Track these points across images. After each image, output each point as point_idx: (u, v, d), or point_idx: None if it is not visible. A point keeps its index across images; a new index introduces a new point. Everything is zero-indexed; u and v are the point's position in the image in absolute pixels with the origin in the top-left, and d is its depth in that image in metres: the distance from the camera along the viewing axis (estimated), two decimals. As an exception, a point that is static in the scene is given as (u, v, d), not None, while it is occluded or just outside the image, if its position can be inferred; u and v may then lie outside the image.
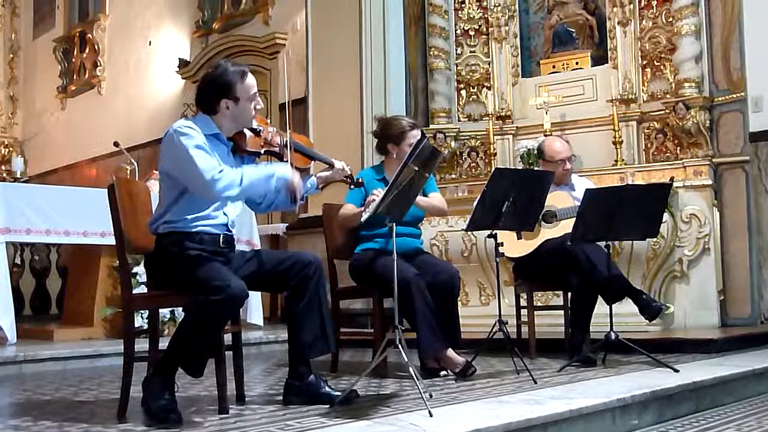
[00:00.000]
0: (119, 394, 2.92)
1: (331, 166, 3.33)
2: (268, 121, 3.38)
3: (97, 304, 5.56)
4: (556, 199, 4.42)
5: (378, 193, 3.55)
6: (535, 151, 6.19)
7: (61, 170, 11.33)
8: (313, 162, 3.30)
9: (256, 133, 3.13)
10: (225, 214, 3.06)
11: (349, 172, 3.35)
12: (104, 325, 5.56)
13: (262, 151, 3.15)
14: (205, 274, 2.79)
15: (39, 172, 11.66)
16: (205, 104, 3.06)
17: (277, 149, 3.16)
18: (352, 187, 3.44)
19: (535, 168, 5.88)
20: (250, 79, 3.06)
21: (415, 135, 4.00)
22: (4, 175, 11.59)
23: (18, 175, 10.36)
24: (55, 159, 11.54)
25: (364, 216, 3.25)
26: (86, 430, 2.60)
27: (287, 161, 3.12)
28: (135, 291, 3.38)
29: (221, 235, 3.03)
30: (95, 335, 5.51)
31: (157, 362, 2.90)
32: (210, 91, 3.04)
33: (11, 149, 12.41)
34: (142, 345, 3.16)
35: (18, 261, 7.65)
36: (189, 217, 2.95)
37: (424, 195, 4.09)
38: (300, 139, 3.32)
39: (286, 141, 3.15)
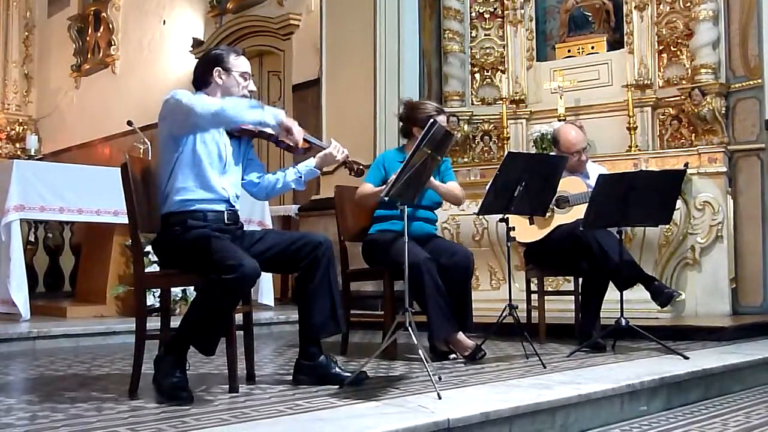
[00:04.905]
0: (131, 372, 2.95)
1: (325, 149, 3.32)
2: (282, 103, 3.39)
3: (109, 282, 5.61)
4: (569, 185, 4.41)
5: None
6: (550, 138, 6.18)
7: (75, 149, 11.37)
8: (310, 147, 3.29)
9: None
10: (224, 188, 3.07)
11: (346, 154, 3.33)
12: (116, 303, 5.61)
13: (256, 131, 3.16)
14: (218, 254, 2.81)
15: (53, 150, 11.72)
16: (199, 77, 3.16)
17: (270, 131, 3.15)
18: (352, 173, 3.41)
19: (550, 153, 5.85)
20: (244, 60, 3.20)
21: (441, 120, 3.99)
22: (19, 153, 11.66)
23: (32, 153, 10.41)
24: (69, 137, 11.58)
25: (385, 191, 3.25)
26: (98, 407, 2.63)
27: (279, 140, 3.14)
28: (147, 269, 3.39)
29: (225, 212, 3.05)
30: (107, 313, 5.56)
31: (169, 340, 2.92)
32: (204, 63, 3.17)
33: (26, 127, 12.47)
34: (153, 323, 3.18)
35: (32, 238, 7.69)
36: (189, 197, 2.97)
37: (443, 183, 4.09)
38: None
39: None
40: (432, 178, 3.82)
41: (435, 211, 4.24)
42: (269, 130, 3.10)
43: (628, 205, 3.84)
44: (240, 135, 3.17)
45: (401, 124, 4.20)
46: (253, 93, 3.19)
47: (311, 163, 3.30)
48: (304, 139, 3.24)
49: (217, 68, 3.10)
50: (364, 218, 4.23)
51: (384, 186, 3.66)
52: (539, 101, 6.79)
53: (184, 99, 2.90)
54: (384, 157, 4.18)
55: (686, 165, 4.43)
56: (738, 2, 5.91)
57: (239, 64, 3.14)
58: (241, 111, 2.94)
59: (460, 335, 3.78)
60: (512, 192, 3.72)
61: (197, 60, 3.25)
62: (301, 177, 3.30)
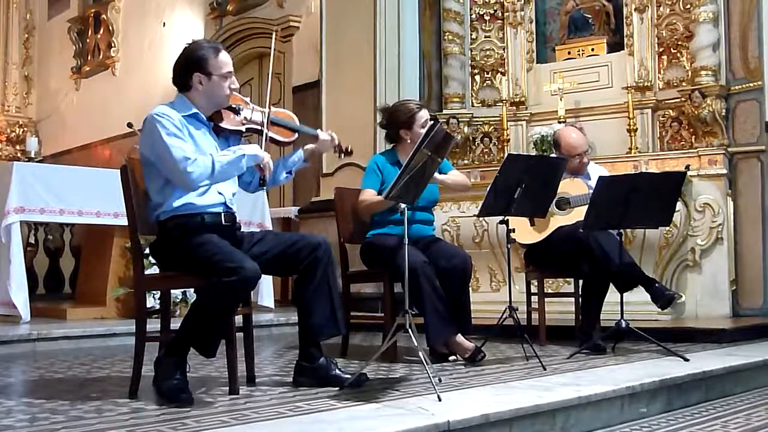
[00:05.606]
0: (131, 374, 2.95)
1: (316, 137, 3.32)
2: (282, 105, 3.40)
3: (109, 284, 5.60)
4: (570, 187, 4.41)
5: None
6: (550, 140, 6.19)
7: (75, 151, 11.37)
8: (297, 135, 3.30)
9: (235, 111, 3.14)
10: (220, 193, 3.07)
11: (337, 142, 3.34)
12: (117, 304, 5.60)
13: (244, 129, 3.16)
14: (218, 256, 2.80)
15: (53, 152, 11.71)
16: (179, 80, 3.08)
17: (258, 126, 3.16)
18: (342, 156, 3.43)
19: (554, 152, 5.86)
20: (224, 56, 3.07)
21: (423, 115, 4.00)
22: (19, 154, 11.65)
23: (32, 155, 10.40)
24: (69, 139, 11.58)
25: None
26: (98, 408, 2.63)
27: (268, 137, 3.14)
28: (147, 271, 3.39)
29: (222, 213, 3.05)
30: (108, 315, 5.56)
31: (170, 342, 2.92)
32: (183, 65, 3.07)
33: (26, 129, 12.46)
34: (153, 325, 3.18)
35: (32, 240, 7.68)
36: (185, 200, 2.96)
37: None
38: (282, 114, 3.32)
39: (266, 117, 3.15)
40: (435, 173, 3.80)
41: (433, 212, 4.24)
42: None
43: (628, 207, 3.84)
44: (228, 135, 3.17)
45: (385, 130, 4.17)
46: (235, 90, 3.11)
47: (300, 155, 3.31)
48: (293, 130, 3.26)
49: (196, 73, 3.02)
50: (363, 220, 4.22)
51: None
52: (539, 103, 6.79)
53: (179, 163, 2.83)
54: (376, 160, 4.15)
55: (687, 167, 4.44)
56: (738, 4, 5.91)
57: (219, 64, 3.03)
58: (231, 174, 2.99)
59: (459, 337, 3.78)
60: (512, 194, 3.72)
61: (177, 58, 3.14)
62: (291, 173, 3.33)
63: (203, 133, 3.06)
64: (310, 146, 3.33)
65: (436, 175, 3.85)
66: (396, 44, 6.82)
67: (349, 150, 3.41)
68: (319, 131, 3.36)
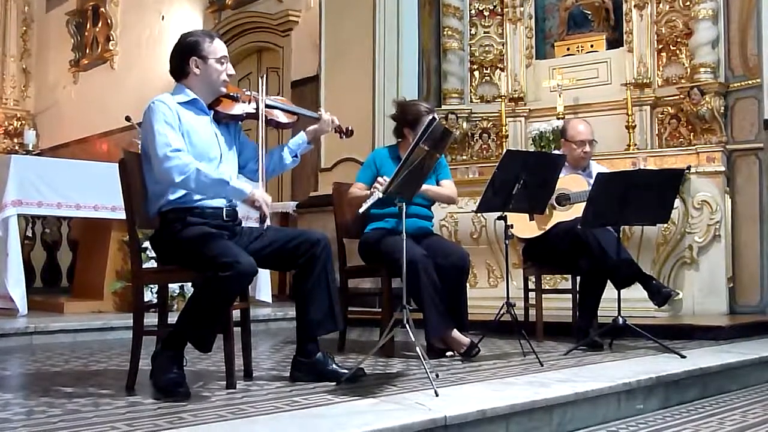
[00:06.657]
0: (128, 367, 2.94)
1: (318, 119, 3.35)
2: (281, 96, 3.39)
3: (107, 277, 5.60)
4: (570, 182, 4.40)
5: (382, 181, 3.52)
6: (548, 136, 6.19)
7: (73, 144, 11.35)
8: (297, 117, 3.31)
9: (233, 99, 3.16)
10: None
11: (337, 123, 3.36)
12: (114, 298, 5.60)
13: (244, 114, 3.17)
14: (214, 251, 2.80)
15: (51, 145, 11.68)
16: (176, 68, 3.10)
17: (255, 111, 3.16)
18: (343, 137, 3.43)
19: (553, 149, 5.86)
20: (219, 43, 3.10)
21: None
22: (17, 148, 11.63)
23: (30, 148, 10.39)
24: (67, 132, 11.55)
25: (363, 208, 3.30)
26: (95, 402, 2.63)
27: (267, 119, 3.16)
28: (145, 265, 3.39)
29: (224, 209, 3.04)
30: (105, 308, 5.56)
31: (167, 337, 2.92)
32: (179, 52, 3.09)
33: (24, 122, 12.43)
34: (151, 319, 3.18)
35: (29, 234, 7.69)
36: (188, 193, 2.96)
37: (437, 181, 4.10)
38: (280, 101, 3.34)
39: (264, 103, 3.17)
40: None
41: (431, 208, 4.24)
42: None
43: (626, 204, 3.84)
44: (228, 120, 3.17)
45: (395, 124, 4.19)
46: (231, 77, 3.13)
47: (303, 137, 3.33)
48: (292, 113, 3.28)
49: (192, 57, 3.04)
50: (362, 215, 4.22)
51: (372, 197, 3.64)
52: (538, 99, 6.79)
53: (160, 148, 2.82)
54: (375, 155, 4.17)
55: (689, 168, 4.42)
56: (737, 2, 5.92)
57: (215, 49, 3.05)
58: (205, 191, 2.92)
59: (455, 332, 3.78)
60: (510, 190, 3.71)
61: (172, 49, 3.15)
62: (296, 156, 3.33)
63: (204, 121, 3.06)
64: (312, 128, 3.36)
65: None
66: (395, 39, 6.81)
67: (350, 130, 3.42)
68: (321, 111, 3.39)
